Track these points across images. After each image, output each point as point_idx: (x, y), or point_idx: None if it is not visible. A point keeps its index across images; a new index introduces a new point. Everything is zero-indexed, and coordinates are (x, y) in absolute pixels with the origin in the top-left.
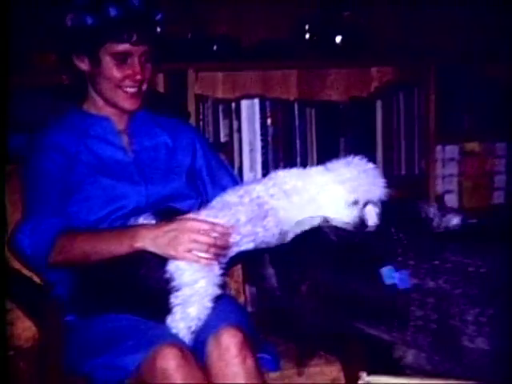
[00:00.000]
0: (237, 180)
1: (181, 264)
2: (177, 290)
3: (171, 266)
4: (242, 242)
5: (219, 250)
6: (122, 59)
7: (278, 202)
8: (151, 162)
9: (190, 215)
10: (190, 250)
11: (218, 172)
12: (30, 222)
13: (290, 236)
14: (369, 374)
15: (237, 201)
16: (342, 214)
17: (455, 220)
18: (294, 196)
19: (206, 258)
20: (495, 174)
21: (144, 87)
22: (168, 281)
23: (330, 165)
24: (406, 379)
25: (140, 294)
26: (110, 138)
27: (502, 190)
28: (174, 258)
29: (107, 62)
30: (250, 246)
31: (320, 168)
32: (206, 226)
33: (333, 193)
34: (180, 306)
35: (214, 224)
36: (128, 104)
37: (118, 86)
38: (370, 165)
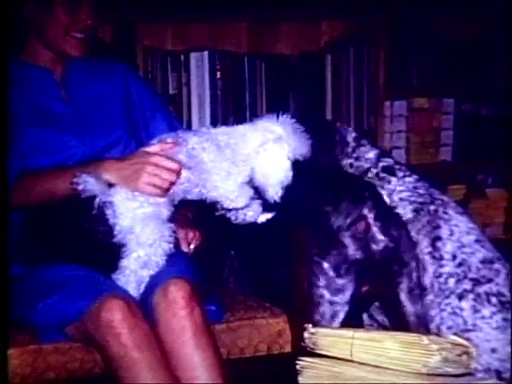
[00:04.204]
0: (174, 126)
1: (135, 227)
2: (130, 252)
3: (124, 228)
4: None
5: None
6: (72, 3)
7: (209, 155)
8: (91, 111)
9: (156, 148)
10: (150, 183)
11: (152, 118)
12: None
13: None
14: (314, 325)
15: (177, 149)
16: (280, 171)
17: (371, 153)
18: (226, 150)
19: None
20: (442, 130)
21: (91, 34)
22: (114, 236)
23: (259, 122)
24: (351, 331)
25: (86, 246)
26: (49, 90)
27: (449, 146)
28: (135, 190)
29: (58, 6)
30: (180, 194)
31: (248, 126)
32: (171, 165)
33: (271, 151)
34: (133, 268)
35: (179, 164)
36: (76, 51)
37: (67, 32)
38: (295, 122)
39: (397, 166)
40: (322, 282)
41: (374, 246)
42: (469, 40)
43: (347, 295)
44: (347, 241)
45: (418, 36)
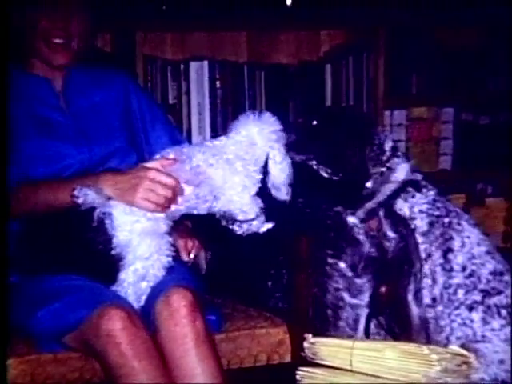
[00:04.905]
0: (174, 136)
1: (132, 240)
2: (128, 265)
3: (121, 241)
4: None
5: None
6: (51, 8)
7: (217, 171)
8: (90, 121)
9: (156, 164)
10: (146, 199)
11: (152, 128)
12: None
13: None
14: (314, 335)
15: (179, 166)
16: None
17: (403, 166)
18: (237, 163)
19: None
20: (442, 140)
21: (75, 42)
22: (115, 247)
23: (252, 126)
24: (351, 341)
25: (87, 256)
26: (48, 100)
27: (449, 155)
28: (131, 204)
29: (39, 12)
30: (182, 211)
31: (250, 132)
32: (168, 180)
33: (281, 150)
34: (131, 280)
35: (176, 181)
36: (56, 58)
37: (47, 37)
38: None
39: (423, 183)
40: (341, 283)
41: (387, 244)
42: (468, 49)
43: (366, 297)
44: (362, 238)
45: (418, 45)
